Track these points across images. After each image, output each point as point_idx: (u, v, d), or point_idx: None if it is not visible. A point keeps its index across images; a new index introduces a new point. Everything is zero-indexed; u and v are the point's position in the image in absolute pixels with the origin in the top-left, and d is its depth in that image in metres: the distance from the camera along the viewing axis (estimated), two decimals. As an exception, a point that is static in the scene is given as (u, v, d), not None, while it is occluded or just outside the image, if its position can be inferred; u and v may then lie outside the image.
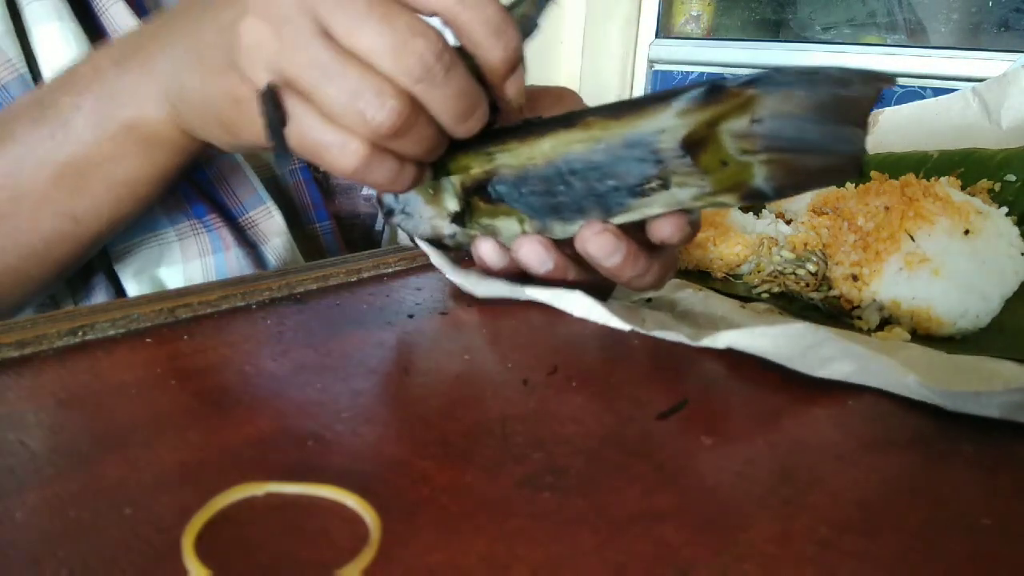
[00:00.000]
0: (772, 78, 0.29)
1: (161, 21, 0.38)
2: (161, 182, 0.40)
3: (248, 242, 0.50)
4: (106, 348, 0.30)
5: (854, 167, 0.29)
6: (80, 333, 0.31)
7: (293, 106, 0.30)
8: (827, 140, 0.28)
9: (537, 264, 0.35)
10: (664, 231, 0.33)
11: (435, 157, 0.33)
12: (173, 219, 0.47)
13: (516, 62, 0.31)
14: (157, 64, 0.36)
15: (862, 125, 0.28)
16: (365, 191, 0.60)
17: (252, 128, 0.32)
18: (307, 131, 0.30)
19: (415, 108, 0.30)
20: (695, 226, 0.34)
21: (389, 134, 0.29)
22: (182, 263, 0.47)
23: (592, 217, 0.33)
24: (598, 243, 0.33)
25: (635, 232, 0.34)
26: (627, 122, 0.31)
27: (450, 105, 0.30)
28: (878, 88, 0.28)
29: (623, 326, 0.33)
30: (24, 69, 0.44)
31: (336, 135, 0.30)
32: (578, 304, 0.35)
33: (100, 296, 0.47)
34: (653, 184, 0.31)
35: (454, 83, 0.30)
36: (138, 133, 0.38)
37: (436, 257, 0.37)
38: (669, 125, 0.30)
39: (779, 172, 0.29)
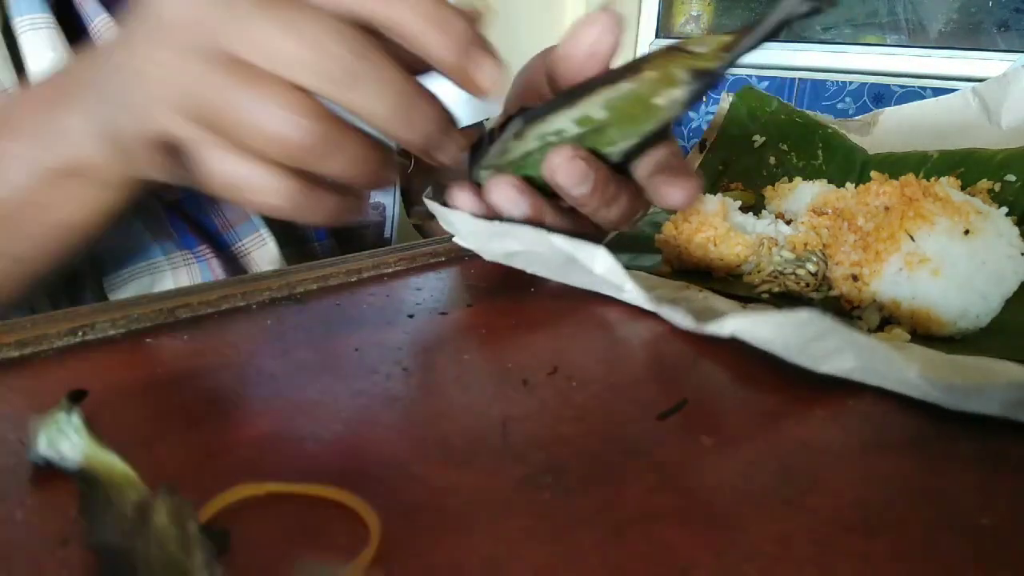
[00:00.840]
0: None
1: (84, 57, 0.36)
2: (108, 220, 0.38)
3: (239, 272, 0.50)
4: (106, 348, 0.30)
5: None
6: (80, 333, 0.31)
7: (205, 148, 0.27)
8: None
9: (511, 207, 0.33)
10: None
11: (383, 176, 0.30)
12: (165, 248, 0.47)
13: (466, 47, 0.27)
14: (85, 105, 0.34)
15: None
16: (373, 199, 0.59)
17: (179, 172, 0.30)
18: (225, 174, 0.27)
19: (334, 123, 0.27)
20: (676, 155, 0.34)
21: (310, 155, 0.26)
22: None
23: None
24: (567, 171, 0.31)
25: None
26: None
27: (383, 106, 0.27)
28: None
29: (636, 294, 0.33)
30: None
31: (257, 172, 0.27)
32: (600, 260, 0.34)
33: None
34: (626, 75, 0.32)
35: (384, 81, 0.26)
36: (77, 177, 0.35)
37: (449, 213, 0.36)
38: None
39: (731, 57, 0.30)
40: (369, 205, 0.61)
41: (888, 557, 0.20)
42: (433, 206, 0.37)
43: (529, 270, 0.37)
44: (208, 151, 0.28)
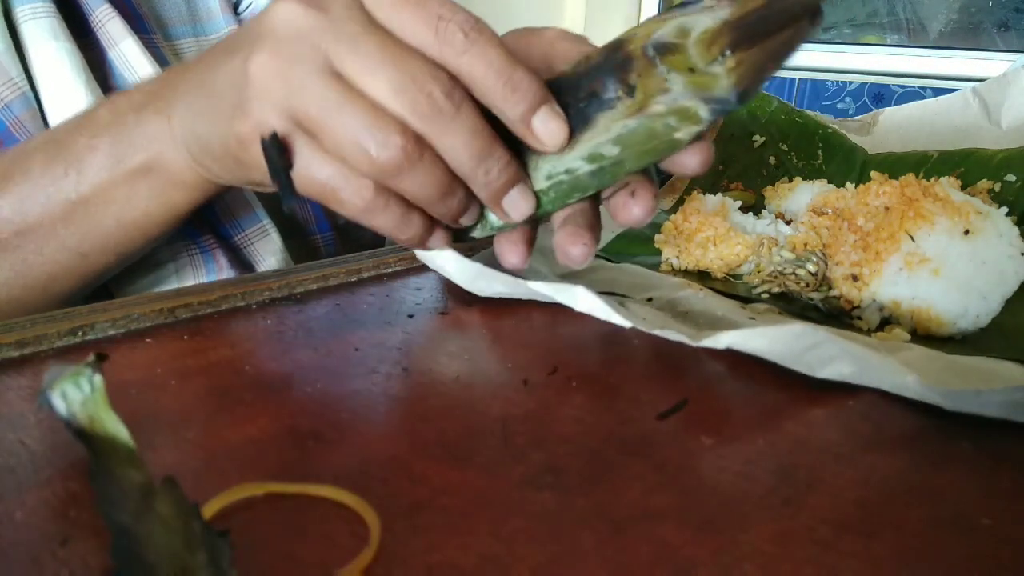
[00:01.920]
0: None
1: (180, 68, 0.38)
2: (174, 221, 0.40)
3: (243, 263, 0.50)
4: (106, 348, 0.30)
5: (812, 18, 0.28)
6: (80, 333, 0.31)
7: (300, 147, 0.30)
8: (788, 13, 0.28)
9: (518, 261, 0.35)
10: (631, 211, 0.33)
11: (448, 208, 0.32)
12: (168, 240, 0.47)
13: (535, 107, 0.30)
14: (174, 109, 0.36)
15: None
16: None
17: (260, 169, 0.32)
18: (313, 171, 0.30)
19: (421, 146, 0.29)
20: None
21: (393, 172, 0.29)
22: (176, 283, 0.47)
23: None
24: (581, 253, 0.33)
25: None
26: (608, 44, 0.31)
27: (460, 144, 0.29)
28: None
29: (624, 323, 0.33)
30: (26, 87, 0.45)
31: (342, 174, 0.30)
32: (581, 299, 0.34)
33: None
34: (620, 93, 0.31)
35: (464, 122, 0.29)
36: (153, 176, 0.37)
37: (437, 256, 0.37)
38: (639, 32, 0.30)
39: (745, 75, 0.29)
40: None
41: (888, 557, 0.20)
42: (419, 252, 0.37)
43: (523, 295, 0.37)
44: (302, 149, 0.30)
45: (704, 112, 0.30)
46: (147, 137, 0.37)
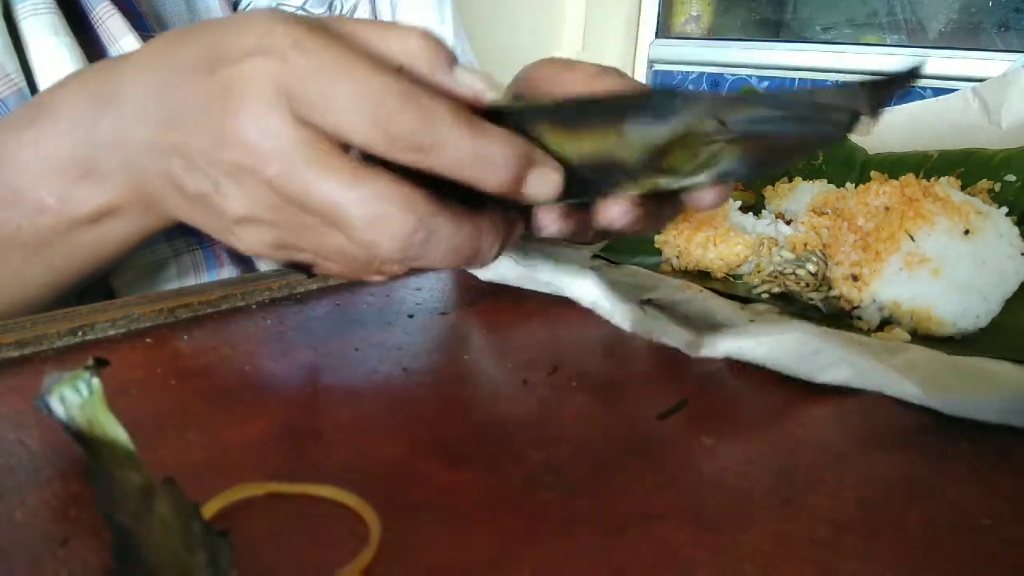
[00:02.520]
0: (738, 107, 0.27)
1: (128, 94, 0.32)
2: (145, 239, 0.37)
3: (243, 259, 0.50)
4: (106, 348, 0.30)
5: (839, 136, 0.27)
6: (80, 333, 0.31)
7: (311, 259, 0.30)
8: (807, 129, 0.27)
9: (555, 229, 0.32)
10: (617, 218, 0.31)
11: (485, 253, 0.30)
12: (168, 234, 0.47)
13: (518, 177, 0.28)
14: (124, 163, 0.32)
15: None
16: None
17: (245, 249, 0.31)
18: (331, 270, 0.30)
19: (426, 228, 0.27)
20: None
21: (411, 258, 0.28)
22: (177, 281, 0.47)
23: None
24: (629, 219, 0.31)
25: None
26: (581, 140, 0.28)
27: (441, 260, 0.28)
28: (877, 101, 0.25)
29: (625, 325, 0.33)
30: (23, 83, 0.44)
31: (360, 269, 0.30)
32: (587, 293, 0.34)
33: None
34: (621, 181, 0.30)
35: (440, 246, 0.27)
36: (118, 220, 0.35)
37: None
38: (625, 153, 0.28)
39: (752, 153, 0.28)
40: None
41: (888, 557, 0.20)
42: None
43: (525, 287, 0.37)
44: (320, 264, 0.30)
45: (708, 178, 0.29)
46: (99, 188, 0.34)
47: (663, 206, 0.32)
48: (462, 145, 0.26)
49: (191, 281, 0.47)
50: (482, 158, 0.27)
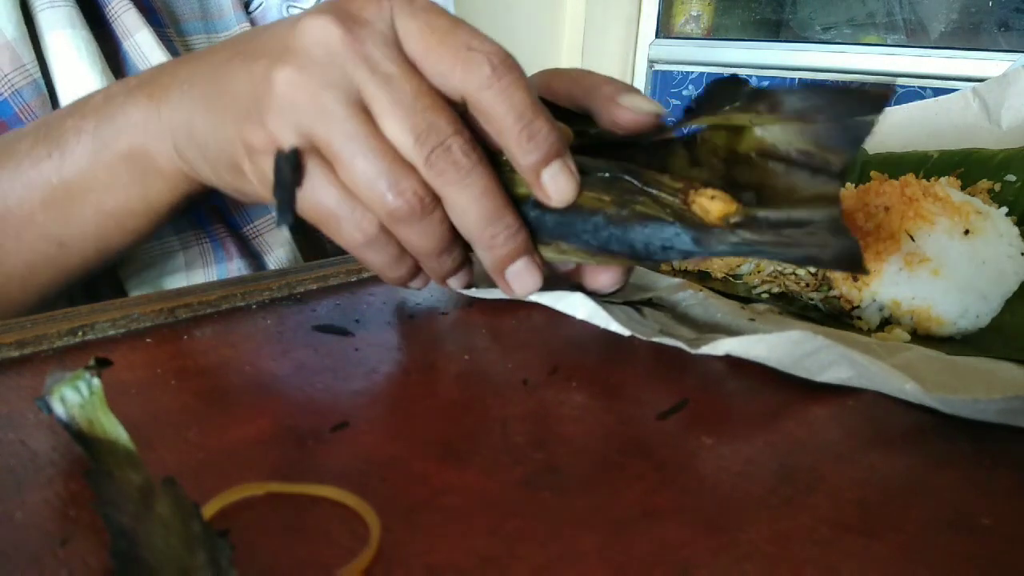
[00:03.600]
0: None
1: (184, 59, 0.37)
2: (153, 216, 0.39)
3: (251, 253, 0.50)
4: (106, 348, 0.30)
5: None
6: (80, 333, 0.31)
7: (313, 170, 0.30)
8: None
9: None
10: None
11: (441, 266, 0.32)
12: (178, 227, 0.47)
13: (548, 159, 0.30)
14: (170, 98, 0.35)
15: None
16: None
17: (258, 182, 0.31)
18: (321, 197, 0.30)
19: (434, 201, 0.30)
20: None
21: (400, 219, 0.29)
22: (185, 272, 0.47)
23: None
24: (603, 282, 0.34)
25: None
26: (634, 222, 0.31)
27: (470, 203, 0.30)
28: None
29: (623, 331, 0.33)
30: (38, 75, 0.45)
31: (348, 206, 0.30)
32: (580, 307, 0.34)
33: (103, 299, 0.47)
34: (640, 188, 0.31)
35: (477, 182, 0.29)
36: (135, 164, 0.36)
37: None
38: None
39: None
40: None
41: (888, 557, 0.20)
42: None
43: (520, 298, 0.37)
44: (314, 172, 0.30)
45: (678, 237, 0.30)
46: (132, 122, 0.36)
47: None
48: (521, 94, 0.29)
49: (199, 273, 0.48)
50: (531, 126, 0.29)
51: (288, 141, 0.29)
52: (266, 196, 0.31)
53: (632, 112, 0.33)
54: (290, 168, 0.29)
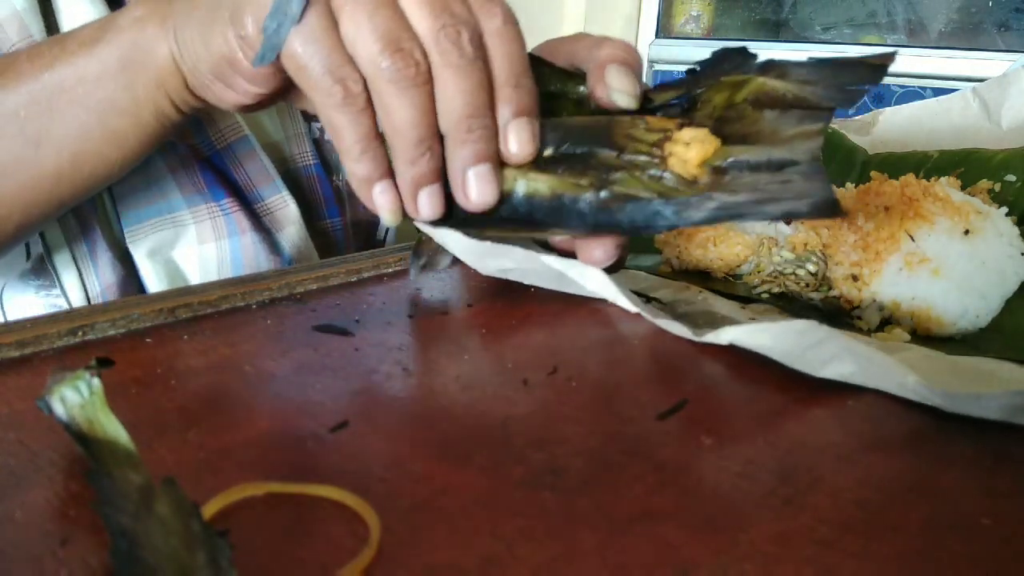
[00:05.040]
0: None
1: None
2: (137, 120, 0.39)
3: (264, 228, 0.50)
4: (106, 348, 0.30)
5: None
6: (80, 333, 0.31)
7: (317, 12, 0.29)
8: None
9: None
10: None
11: (415, 166, 0.32)
12: (190, 201, 0.47)
13: (516, 114, 0.31)
14: (175, 15, 0.36)
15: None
16: None
17: (248, 76, 0.32)
18: (316, 38, 0.30)
19: (428, 75, 0.30)
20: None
21: (393, 82, 0.29)
22: (197, 245, 0.47)
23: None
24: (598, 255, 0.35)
25: None
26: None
27: (463, 91, 0.30)
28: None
29: (631, 307, 0.33)
30: None
31: (340, 60, 0.30)
32: (592, 277, 0.34)
33: (107, 273, 0.46)
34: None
35: (476, 74, 0.30)
36: (127, 57, 0.37)
37: (442, 233, 0.37)
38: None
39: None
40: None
41: (888, 557, 0.20)
42: (424, 227, 0.37)
43: (526, 282, 0.37)
44: (316, 13, 0.29)
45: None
46: (130, 16, 0.37)
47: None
48: (519, 50, 0.31)
49: (211, 246, 0.48)
50: (520, 81, 0.31)
51: None
52: (258, 45, 0.31)
53: (608, 96, 0.34)
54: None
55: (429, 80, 0.30)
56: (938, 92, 0.70)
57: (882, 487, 0.23)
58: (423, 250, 0.39)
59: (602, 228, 0.32)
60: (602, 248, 0.34)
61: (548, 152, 0.33)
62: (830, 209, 0.28)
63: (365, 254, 0.43)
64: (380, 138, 0.32)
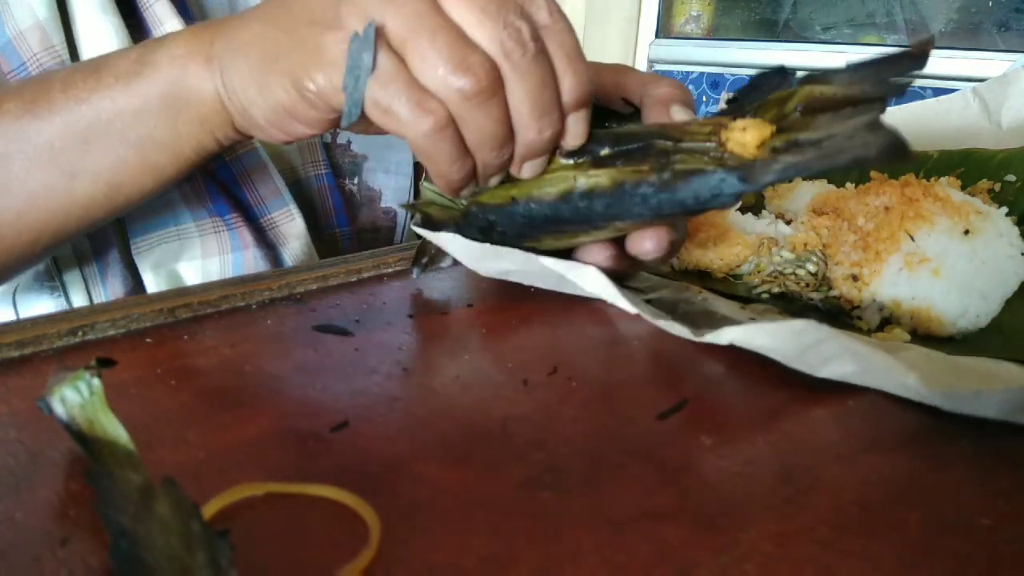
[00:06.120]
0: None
1: (230, 20, 0.37)
2: (177, 154, 0.39)
3: (267, 243, 0.50)
4: (106, 348, 0.30)
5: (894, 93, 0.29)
6: (80, 333, 0.31)
7: (385, 58, 0.30)
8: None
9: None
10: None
11: (498, 160, 0.33)
12: (195, 214, 0.48)
13: (584, 100, 0.32)
14: (224, 31, 0.36)
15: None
16: (385, 203, 0.60)
17: (327, 86, 0.32)
18: (394, 82, 0.30)
19: (498, 83, 0.30)
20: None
21: (470, 100, 0.30)
22: (201, 259, 0.48)
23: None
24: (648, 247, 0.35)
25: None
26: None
27: (531, 90, 0.31)
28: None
29: (630, 308, 0.33)
30: (66, 56, 0.45)
31: (419, 95, 0.30)
32: (591, 279, 0.34)
33: (116, 285, 0.47)
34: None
35: (540, 71, 0.30)
36: (170, 94, 0.37)
37: (442, 237, 0.37)
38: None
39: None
40: (383, 209, 0.60)
41: (888, 557, 0.20)
42: (424, 231, 0.37)
43: (525, 282, 0.37)
44: (386, 58, 0.30)
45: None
46: (173, 50, 0.37)
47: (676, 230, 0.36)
48: (572, 39, 0.31)
49: (215, 260, 0.48)
50: (580, 55, 0.31)
51: (359, 27, 0.30)
52: (332, 101, 0.32)
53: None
54: (366, 47, 0.30)
55: (501, 86, 0.31)
56: (938, 92, 0.70)
57: (882, 487, 0.23)
58: (425, 250, 0.39)
59: (665, 209, 0.32)
60: (654, 239, 0.34)
61: (605, 152, 0.33)
62: (898, 151, 0.27)
63: (365, 254, 0.43)
64: (467, 148, 0.33)
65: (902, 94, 0.29)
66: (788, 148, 0.29)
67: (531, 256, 0.35)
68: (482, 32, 0.30)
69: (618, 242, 0.36)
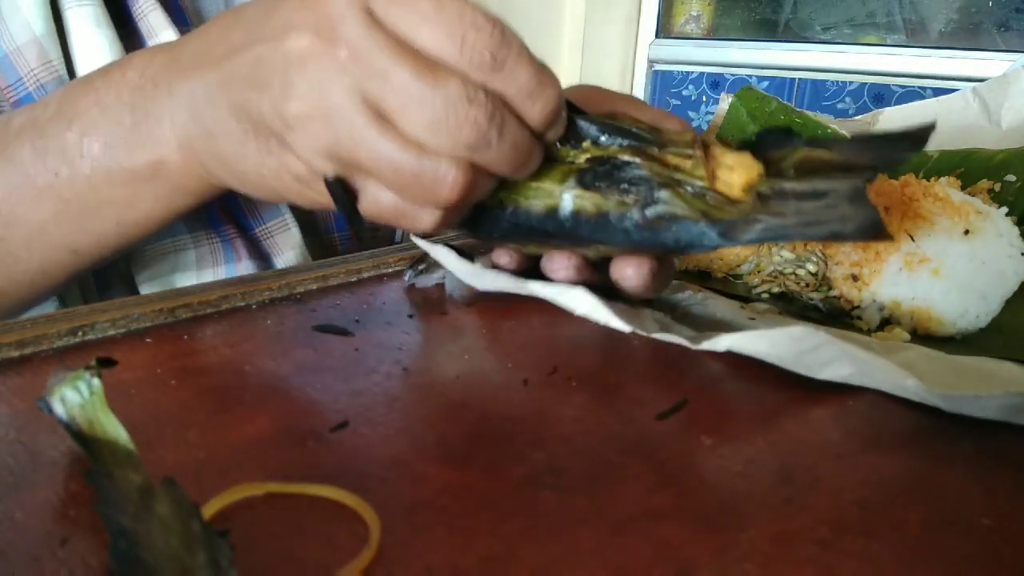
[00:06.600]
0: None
1: (182, 62, 0.35)
2: (173, 218, 0.39)
3: (261, 254, 0.50)
4: (106, 348, 0.30)
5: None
6: (80, 333, 0.31)
7: (362, 184, 0.31)
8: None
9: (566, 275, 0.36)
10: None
11: (535, 161, 0.32)
12: (191, 227, 0.48)
13: (554, 118, 0.31)
14: (177, 108, 0.34)
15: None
16: None
17: (320, 200, 0.32)
18: (379, 203, 0.31)
19: (475, 170, 0.30)
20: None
21: (458, 196, 0.30)
22: (196, 271, 0.48)
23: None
24: (629, 274, 0.34)
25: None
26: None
27: (507, 153, 0.30)
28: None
29: (624, 327, 0.33)
30: (63, 71, 0.45)
31: (407, 205, 0.31)
32: (581, 302, 0.34)
33: (116, 295, 0.47)
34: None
35: (508, 139, 0.29)
36: (156, 181, 0.36)
37: (438, 250, 0.37)
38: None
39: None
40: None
41: (888, 557, 0.20)
42: (421, 243, 0.38)
43: (522, 293, 0.37)
44: (363, 186, 0.31)
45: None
46: (142, 140, 0.35)
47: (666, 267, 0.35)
48: (528, 71, 0.29)
49: (208, 273, 0.48)
50: (541, 86, 0.29)
51: (326, 169, 0.30)
52: (330, 207, 0.32)
53: None
54: (341, 189, 0.31)
55: (498, 105, 0.29)
56: (938, 92, 0.70)
57: (882, 487, 0.23)
58: (424, 257, 0.39)
59: (647, 246, 0.32)
60: (636, 267, 0.34)
61: (586, 144, 0.33)
62: (875, 231, 0.29)
63: (365, 254, 0.43)
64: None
65: (896, 168, 0.30)
66: (773, 195, 0.30)
67: (520, 281, 0.35)
68: (440, 138, 0.28)
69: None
